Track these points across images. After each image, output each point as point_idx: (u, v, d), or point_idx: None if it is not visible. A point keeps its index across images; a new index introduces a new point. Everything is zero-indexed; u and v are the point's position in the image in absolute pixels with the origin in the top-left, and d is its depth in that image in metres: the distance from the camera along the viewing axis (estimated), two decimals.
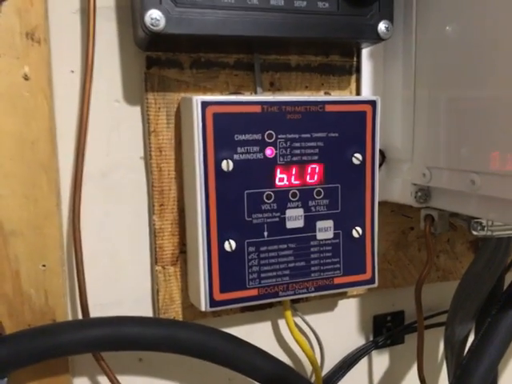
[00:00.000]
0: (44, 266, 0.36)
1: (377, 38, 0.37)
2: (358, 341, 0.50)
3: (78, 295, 0.37)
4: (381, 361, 0.52)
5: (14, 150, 0.34)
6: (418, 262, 0.49)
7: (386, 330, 0.51)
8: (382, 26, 0.37)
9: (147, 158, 0.39)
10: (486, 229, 0.38)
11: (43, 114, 0.35)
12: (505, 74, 0.32)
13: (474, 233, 0.38)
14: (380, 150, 0.44)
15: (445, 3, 0.37)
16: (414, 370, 0.47)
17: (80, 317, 0.38)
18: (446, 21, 0.37)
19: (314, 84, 0.43)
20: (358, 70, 0.44)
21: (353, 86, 0.44)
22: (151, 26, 0.31)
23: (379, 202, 0.43)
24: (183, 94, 0.39)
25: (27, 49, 0.34)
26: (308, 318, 0.46)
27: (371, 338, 0.51)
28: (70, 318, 0.39)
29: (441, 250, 0.50)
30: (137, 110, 0.39)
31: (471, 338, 0.42)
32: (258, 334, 0.45)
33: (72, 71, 0.37)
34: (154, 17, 0.31)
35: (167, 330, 0.33)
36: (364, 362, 0.51)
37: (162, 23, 0.31)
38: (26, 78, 0.34)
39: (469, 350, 0.39)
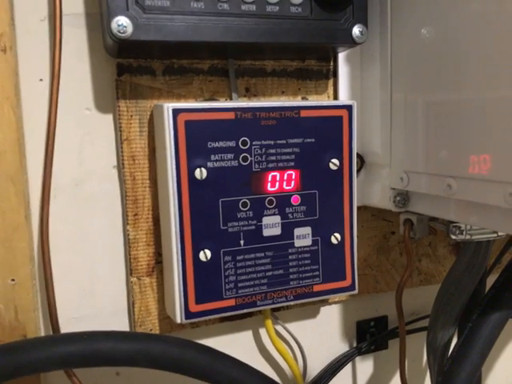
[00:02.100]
0: (13, 280, 0.35)
1: (351, 43, 0.37)
2: (341, 347, 0.50)
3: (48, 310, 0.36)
4: (365, 367, 0.51)
5: None
6: (400, 267, 0.49)
7: (369, 336, 0.50)
8: (356, 30, 0.37)
9: (120, 166, 0.38)
10: (464, 233, 0.38)
11: (10, 124, 0.34)
12: (479, 78, 0.32)
13: (453, 237, 0.38)
14: (359, 155, 0.43)
15: (419, 7, 0.36)
16: (399, 375, 0.47)
17: (52, 332, 0.37)
18: (420, 24, 0.36)
19: (291, 89, 0.42)
20: (335, 75, 0.43)
21: (330, 90, 0.43)
22: (118, 33, 0.31)
23: (359, 207, 0.43)
24: (156, 102, 0.38)
25: None
26: (290, 325, 0.45)
27: (355, 344, 0.50)
28: (42, 332, 0.38)
29: (422, 254, 0.50)
30: (109, 118, 0.38)
31: (454, 342, 0.42)
32: (238, 343, 0.44)
33: (41, 79, 0.36)
34: (121, 23, 0.31)
35: (141, 344, 0.32)
36: (348, 368, 0.50)
37: (130, 30, 0.31)
38: None
39: (450, 355, 0.38)
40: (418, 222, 0.40)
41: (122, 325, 0.40)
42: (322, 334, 0.48)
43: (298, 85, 0.42)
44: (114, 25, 0.30)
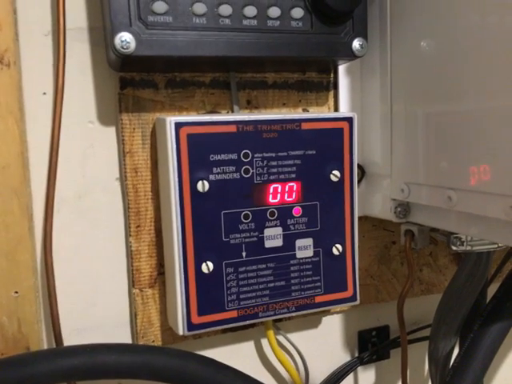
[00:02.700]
0: (16, 292, 0.35)
1: (351, 56, 0.37)
2: (343, 357, 0.50)
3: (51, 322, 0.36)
4: (367, 377, 0.51)
5: None
6: (401, 276, 0.49)
7: (371, 346, 0.50)
8: (356, 44, 0.37)
9: (123, 178, 0.39)
10: (465, 244, 0.38)
11: (14, 139, 0.34)
12: (478, 89, 0.32)
13: (454, 248, 0.38)
14: (359, 165, 0.43)
15: (419, 19, 0.37)
16: None
17: (55, 344, 0.37)
18: (419, 37, 0.37)
19: (292, 101, 0.43)
20: (336, 86, 0.44)
21: (331, 101, 0.44)
22: (121, 49, 0.31)
23: (360, 217, 0.43)
24: (158, 114, 0.38)
25: None
26: (291, 335, 0.45)
27: (356, 354, 0.50)
28: (45, 344, 0.38)
29: (424, 264, 0.50)
30: (111, 130, 0.39)
31: (456, 353, 0.42)
32: (240, 354, 0.44)
33: (44, 93, 0.37)
34: (124, 39, 0.31)
35: (143, 357, 0.32)
36: (350, 378, 0.50)
37: (133, 46, 0.31)
38: None
39: (452, 366, 0.38)
40: (419, 232, 0.41)
41: (124, 336, 0.40)
42: (323, 343, 0.48)
43: (298, 97, 0.43)
44: (117, 41, 0.31)
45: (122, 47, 0.31)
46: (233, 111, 0.40)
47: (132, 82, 0.38)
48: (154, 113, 0.38)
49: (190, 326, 0.36)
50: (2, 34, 0.33)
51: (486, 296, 0.44)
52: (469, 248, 0.38)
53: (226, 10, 0.33)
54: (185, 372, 0.33)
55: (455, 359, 0.38)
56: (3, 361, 0.32)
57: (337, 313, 0.48)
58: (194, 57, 0.33)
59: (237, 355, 0.44)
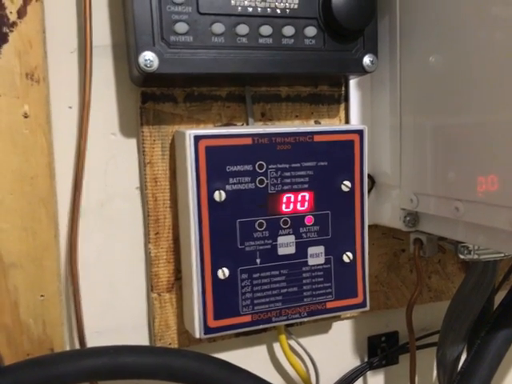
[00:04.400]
0: (42, 296, 0.37)
1: (362, 72, 0.39)
2: (352, 362, 0.51)
3: (75, 324, 0.38)
4: (376, 382, 0.52)
5: (15, 185, 0.36)
6: (410, 283, 0.50)
7: (380, 351, 0.51)
8: (366, 60, 0.39)
9: (143, 188, 0.40)
10: (472, 252, 0.39)
11: (42, 150, 0.36)
12: (485, 102, 0.33)
13: (461, 256, 0.40)
14: (370, 176, 0.45)
15: (427, 35, 0.38)
16: None
17: (77, 345, 0.39)
18: (428, 52, 0.38)
19: (304, 113, 0.44)
20: (347, 99, 0.45)
21: (342, 114, 0.45)
22: (145, 67, 0.33)
23: (370, 226, 0.45)
24: (177, 127, 0.40)
25: (27, 88, 0.36)
26: (302, 340, 0.47)
27: (366, 359, 0.51)
28: (67, 346, 0.40)
29: (432, 271, 0.51)
30: (133, 142, 0.40)
31: (463, 359, 0.43)
32: (253, 358, 0.46)
33: (70, 107, 0.39)
34: (148, 58, 0.33)
35: (162, 358, 0.34)
36: (359, 382, 0.51)
37: (156, 64, 0.33)
38: (25, 116, 0.36)
39: (459, 371, 0.39)
40: (428, 241, 0.42)
41: (142, 338, 0.42)
42: (334, 348, 0.50)
43: (311, 109, 0.44)
44: (141, 59, 0.33)
45: (146, 65, 0.33)
46: (248, 123, 0.42)
47: (153, 97, 0.39)
48: (173, 125, 0.40)
49: (207, 329, 0.37)
50: (33, 51, 0.36)
51: (493, 303, 0.45)
52: (476, 257, 0.40)
53: (242, 29, 0.35)
54: (202, 373, 0.35)
55: (462, 365, 0.40)
56: (31, 361, 0.34)
57: (347, 318, 0.49)
58: (213, 74, 0.35)
59: (249, 359, 0.46)
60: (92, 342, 0.40)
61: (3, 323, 0.36)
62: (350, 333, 0.50)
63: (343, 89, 0.45)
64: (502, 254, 0.40)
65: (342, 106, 0.45)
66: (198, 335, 0.37)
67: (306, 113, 0.44)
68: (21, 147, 0.36)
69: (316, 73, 0.38)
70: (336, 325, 0.49)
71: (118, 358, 0.33)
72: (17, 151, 0.36)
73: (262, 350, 0.47)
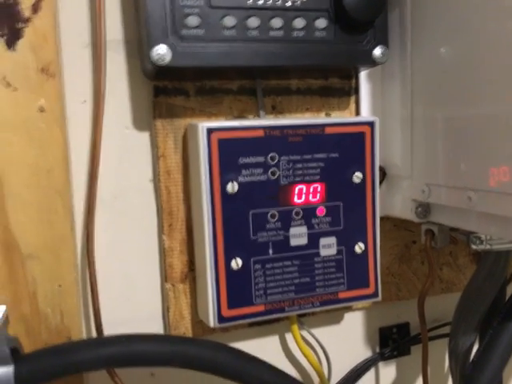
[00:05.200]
0: (60, 286, 0.38)
1: (373, 63, 0.39)
2: (364, 353, 0.51)
3: (91, 314, 0.39)
4: (388, 372, 0.53)
5: (31, 178, 0.37)
6: (421, 275, 0.50)
7: (391, 342, 0.52)
8: (377, 51, 0.39)
9: (156, 180, 0.41)
10: (484, 243, 0.40)
11: (58, 144, 0.37)
12: (497, 93, 0.33)
13: (473, 247, 0.40)
14: (381, 167, 0.45)
15: (438, 26, 0.38)
16: (421, 380, 0.48)
17: (94, 335, 0.40)
18: (439, 43, 0.38)
19: (315, 106, 0.45)
20: (357, 91, 0.45)
21: (352, 106, 0.46)
22: (158, 61, 0.33)
23: (381, 217, 0.45)
24: (189, 120, 0.41)
25: (42, 83, 0.36)
26: (314, 331, 0.47)
27: (377, 350, 0.52)
28: (84, 336, 0.41)
29: (444, 263, 0.51)
30: (146, 135, 0.41)
31: (475, 349, 0.43)
32: (265, 348, 0.46)
33: (84, 101, 0.39)
34: (161, 52, 0.33)
35: (177, 346, 0.35)
36: (371, 373, 0.52)
37: (168, 57, 0.33)
38: (41, 110, 0.36)
39: (472, 360, 0.40)
40: (439, 232, 0.42)
41: (157, 328, 0.43)
42: (345, 339, 0.50)
43: (321, 102, 0.45)
44: (153, 53, 0.33)
45: (159, 59, 0.33)
46: (259, 116, 0.42)
47: (165, 90, 0.40)
48: (185, 118, 0.41)
49: (221, 318, 0.38)
50: (48, 46, 0.36)
51: (505, 294, 0.45)
52: (488, 247, 0.40)
53: (253, 22, 0.35)
54: (216, 361, 0.36)
55: (475, 354, 0.40)
56: (49, 349, 0.35)
57: (358, 310, 0.50)
58: (224, 67, 0.36)
59: (262, 349, 0.46)
60: (108, 331, 0.40)
61: (22, 313, 0.37)
62: (362, 324, 0.51)
63: (354, 81, 0.45)
64: None
65: (353, 98, 0.46)
66: (212, 324, 0.38)
67: (317, 105, 0.45)
68: (37, 141, 0.36)
69: (327, 65, 0.38)
70: (348, 316, 0.50)
71: (135, 346, 0.34)
72: (33, 145, 0.36)
73: (274, 340, 0.47)
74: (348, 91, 0.45)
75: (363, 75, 0.44)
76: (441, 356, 0.55)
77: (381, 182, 0.45)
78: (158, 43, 0.33)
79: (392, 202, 0.45)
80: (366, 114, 0.45)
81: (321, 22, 0.37)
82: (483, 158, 0.35)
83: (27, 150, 0.36)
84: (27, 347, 0.37)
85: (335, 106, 0.45)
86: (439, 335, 0.51)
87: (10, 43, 0.35)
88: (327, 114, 0.45)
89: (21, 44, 0.36)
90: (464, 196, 0.36)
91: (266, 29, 0.36)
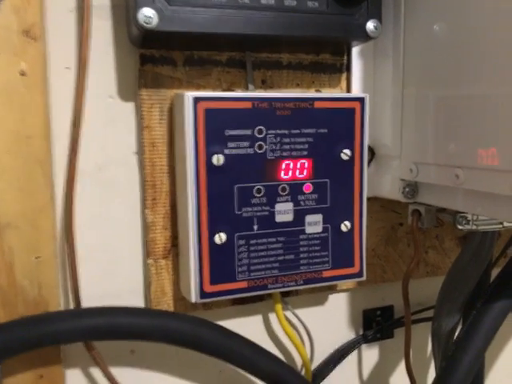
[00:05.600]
0: (38, 257, 0.37)
1: (365, 37, 0.38)
2: (347, 335, 0.51)
3: (70, 287, 0.38)
4: (370, 354, 0.53)
5: (11, 144, 0.35)
6: (407, 257, 0.50)
7: (375, 325, 0.51)
8: (370, 25, 0.38)
9: (140, 152, 0.40)
10: (470, 223, 0.39)
11: (38, 110, 0.36)
12: (490, 73, 0.33)
13: (460, 227, 0.39)
14: (369, 147, 0.45)
15: (433, 2, 0.38)
16: (403, 363, 0.48)
17: (72, 307, 0.39)
18: (433, 20, 0.38)
19: (305, 82, 0.44)
20: (349, 69, 0.45)
21: (343, 83, 0.45)
22: (144, 24, 0.32)
23: (369, 198, 0.44)
24: (176, 91, 0.40)
25: (24, 46, 0.35)
26: (298, 311, 0.47)
27: (361, 332, 0.51)
28: (63, 309, 0.40)
29: (429, 246, 0.51)
30: (130, 105, 0.40)
31: (458, 331, 0.43)
32: (248, 327, 0.46)
33: (67, 68, 0.38)
34: (147, 14, 0.32)
35: (158, 320, 0.34)
36: (354, 355, 0.52)
37: (155, 21, 0.32)
38: (22, 73, 0.35)
39: (454, 341, 0.40)
40: (426, 212, 0.42)
41: (138, 304, 0.42)
42: (329, 320, 0.50)
43: (312, 78, 0.44)
44: (140, 15, 0.32)
45: (145, 22, 0.32)
46: (248, 90, 0.42)
47: (152, 59, 0.39)
48: (172, 89, 0.40)
49: (203, 294, 0.37)
50: (30, 7, 0.35)
51: (489, 275, 0.45)
52: (474, 227, 0.39)
53: None
54: (196, 336, 0.35)
55: (458, 335, 0.40)
56: (25, 319, 0.34)
57: (343, 291, 0.49)
58: (213, 34, 0.35)
59: (245, 328, 0.45)
60: (87, 305, 0.40)
61: None
62: (346, 305, 0.50)
63: (345, 58, 0.44)
64: (501, 225, 0.40)
65: (344, 75, 0.45)
66: (193, 299, 0.37)
67: (307, 81, 0.44)
68: (17, 105, 0.35)
69: (318, 36, 0.37)
70: (332, 297, 0.49)
71: (114, 318, 0.33)
72: (13, 109, 0.35)
73: (257, 319, 0.47)
74: (339, 68, 0.44)
75: (355, 52, 0.44)
76: (424, 340, 0.55)
77: (369, 162, 0.45)
78: (144, 5, 0.32)
79: (380, 182, 0.45)
80: (356, 91, 0.44)
81: None
82: (472, 138, 0.35)
83: (7, 114, 0.35)
84: (2, 319, 0.36)
85: (326, 83, 0.44)
86: (423, 318, 0.51)
87: None
88: (317, 91, 0.44)
89: (3, 5, 0.34)
90: (452, 174, 0.36)
91: None
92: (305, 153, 0.39)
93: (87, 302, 0.40)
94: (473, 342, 0.38)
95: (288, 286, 0.40)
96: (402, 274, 0.49)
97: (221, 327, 0.37)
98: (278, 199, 0.39)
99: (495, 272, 0.44)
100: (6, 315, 0.36)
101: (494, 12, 0.33)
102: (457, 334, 0.42)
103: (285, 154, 0.39)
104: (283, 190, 0.39)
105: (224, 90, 0.41)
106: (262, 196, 0.38)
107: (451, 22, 0.36)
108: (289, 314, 0.46)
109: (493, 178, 0.32)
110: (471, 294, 0.43)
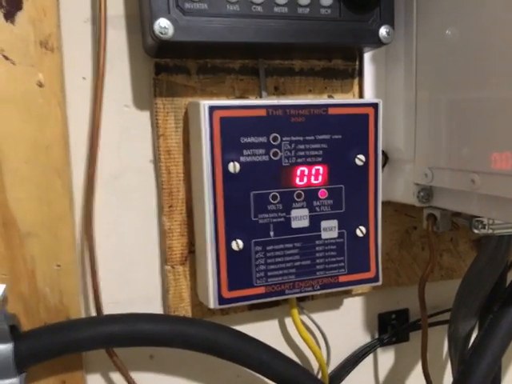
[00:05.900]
0: (58, 265, 0.38)
1: (378, 43, 0.38)
2: (363, 338, 0.51)
3: (90, 294, 0.39)
4: (386, 358, 0.53)
5: (29, 154, 0.36)
6: (421, 261, 0.50)
7: (390, 328, 0.51)
8: (383, 31, 0.38)
9: (156, 160, 0.41)
10: (486, 227, 0.39)
11: (56, 120, 0.36)
12: (503, 76, 0.33)
13: (476, 231, 0.39)
14: (383, 151, 0.45)
15: (445, 7, 0.38)
16: (419, 366, 0.48)
17: (93, 315, 0.39)
18: (445, 24, 0.38)
19: (318, 88, 0.44)
20: (361, 74, 0.45)
21: (355, 89, 0.45)
22: (160, 35, 0.33)
23: (383, 202, 0.44)
24: (190, 99, 0.40)
25: (41, 57, 0.36)
26: (314, 316, 0.47)
27: (376, 336, 0.51)
28: (83, 316, 0.40)
29: (444, 249, 0.51)
30: (146, 114, 0.40)
31: (475, 335, 0.43)
32: (265, 331, 0.46)
33: (84, 78, 0.39)
34: (163, 25, 0.33)
35: (178, 326, 0.35)
36: (369, 359, 0.52)
37: (171, 31, 0.33)
38: (40, 84, 0.36)
39: (471, 345, 0.40)
40: (442, 216, 0.42)
41: (156, 310, 0.42)
42: (345, 324, 0.50)
43: (324, 83, 0.44)
44: (156, 26, 0.33)
45: (161, 33, 0.33)
46: (261, 97, 0.42)
47: (166, 68, 0.39)
48: (186, 97, 0.40)
49: (221, 300, 0.38)
50: (47, 19, 0.35)
51: (505, 279, 0.45)
52: (490, 231, 0.39)
53: None
54: (215, 342, 0.35)
55: (475, 339, 0.40)
56: (49, 327, 0.34)
57: (358, 295, 0.50)
58: (227, 43, 0.35)
59: (261, 332, 0.46)
60: (107, 312, 0.40)
61: (20, 292, 0.37)
62: (361, 309, 0.50)
63: (357, 63, 0.45)
64: None
65: (356, 80, 0.45)
66: (212, 305, 0.38)
67: (320, 87, 0.44)
68: (35, 116, 0.36)
69: (331, 43, 0.37)
70: (347, 301, 0.49)
71: (135, 325, 0.34)
72: (31, 120, 0.36)
73: (274, 324, 0.47)
74: (351, 73, 0.45)
75: (367, 57, 0.44)
76: (440, 343, 0.55)
77: (383, 167, 0.45)
78: (160, 16, 0.33)
79: (394, 186, 0.45)
80: (369, 96, 0.44)
81: (326, 0, 0.36)
82: (486, 141, 0.35)
83: (25, 124, 0.36)
84: (25, 327, 0.37)
85: (338, 89, 0.44)
86: (438, 322, 0.51)
87: (9, 16, 0.35)
88: (330, 97, 0.44)
89: (20, 17, 0.35)
90: (467, 179, 0.36)
91: (271, 5, 0.35)
92: (319, 159, 0.39)
93: (106, 308, 0.40)
94: (489, 347, 0.38)
95: (305, 291, 0.40)
96: (417, 278, 0.49)
97: (238, 332, 0.38)
98: (294, 205, 0.39)
99: (511, 276, 0.44)
100: (28, 322, 0.37)
101: (507, 16, 0.33)
102: (473, 337, 0.41)
103: (300, 160, 0.39)
104: (299, 196, 0.39)
105: (237, 98, 0.41)
106: (277, 202, 0.39)
107: (463, 26, 0.36)
108: (304, 318, 0.46)
109: (509, 182, 0.32)
110: (487, 298, 0.43)
